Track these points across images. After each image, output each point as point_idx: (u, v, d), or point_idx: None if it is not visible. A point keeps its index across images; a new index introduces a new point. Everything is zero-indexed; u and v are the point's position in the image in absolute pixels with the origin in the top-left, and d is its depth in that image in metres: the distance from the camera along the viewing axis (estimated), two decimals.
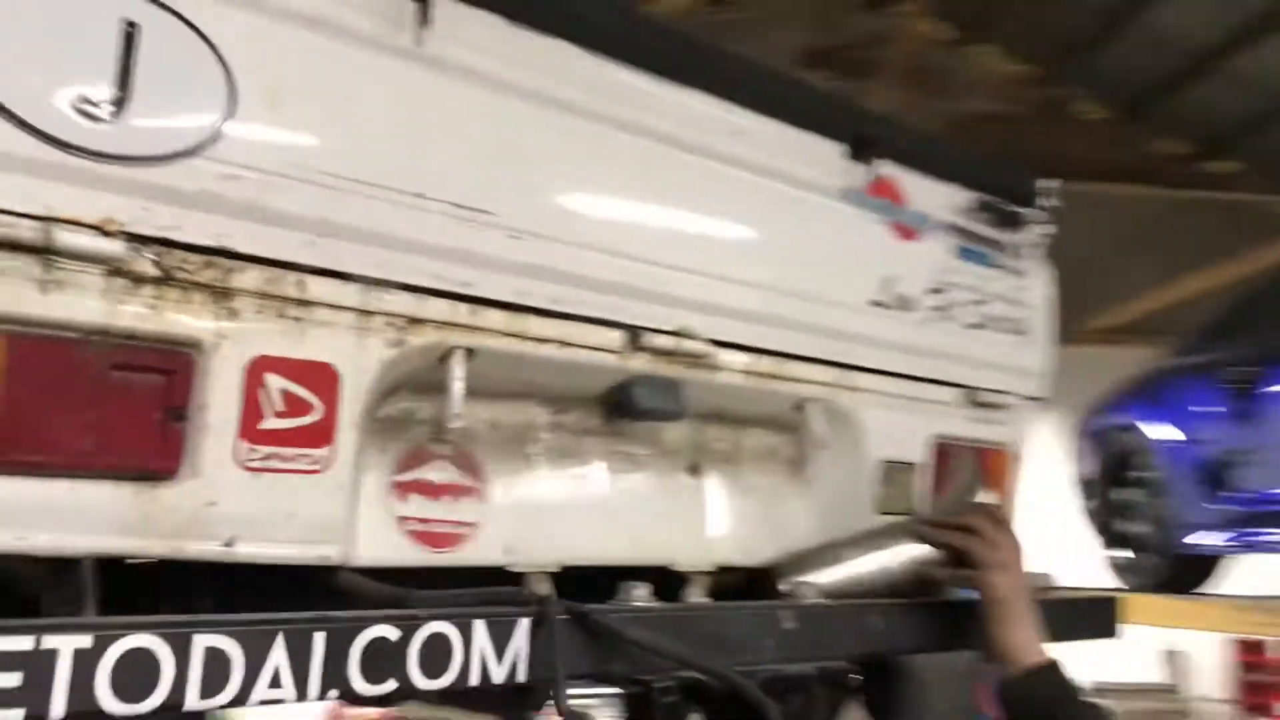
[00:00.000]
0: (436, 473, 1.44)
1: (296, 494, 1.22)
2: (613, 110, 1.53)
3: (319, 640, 1.06)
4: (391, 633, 1.10)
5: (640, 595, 1.43)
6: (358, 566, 1.32)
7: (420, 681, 1.12)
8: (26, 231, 1.04)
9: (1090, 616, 2.12)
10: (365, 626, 1.09)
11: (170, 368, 1.14)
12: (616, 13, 1.57)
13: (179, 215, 1.13)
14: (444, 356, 1.36)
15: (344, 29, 1.27)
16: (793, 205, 1.77)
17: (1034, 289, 2.19)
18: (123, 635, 0.96)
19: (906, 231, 1.95)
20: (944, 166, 2.02)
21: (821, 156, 1.83)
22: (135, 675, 0.97)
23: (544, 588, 1.47)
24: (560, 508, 1.57)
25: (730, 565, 1.75)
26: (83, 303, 1.08)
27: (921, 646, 1.73)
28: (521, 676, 1.20)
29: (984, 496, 1.92)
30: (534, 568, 1.51)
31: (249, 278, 1.19)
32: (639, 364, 1.56)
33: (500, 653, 1.18)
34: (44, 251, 1.05)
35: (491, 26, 1.42)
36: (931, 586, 1.74)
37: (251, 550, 1.20)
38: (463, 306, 1.36)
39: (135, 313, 1.11)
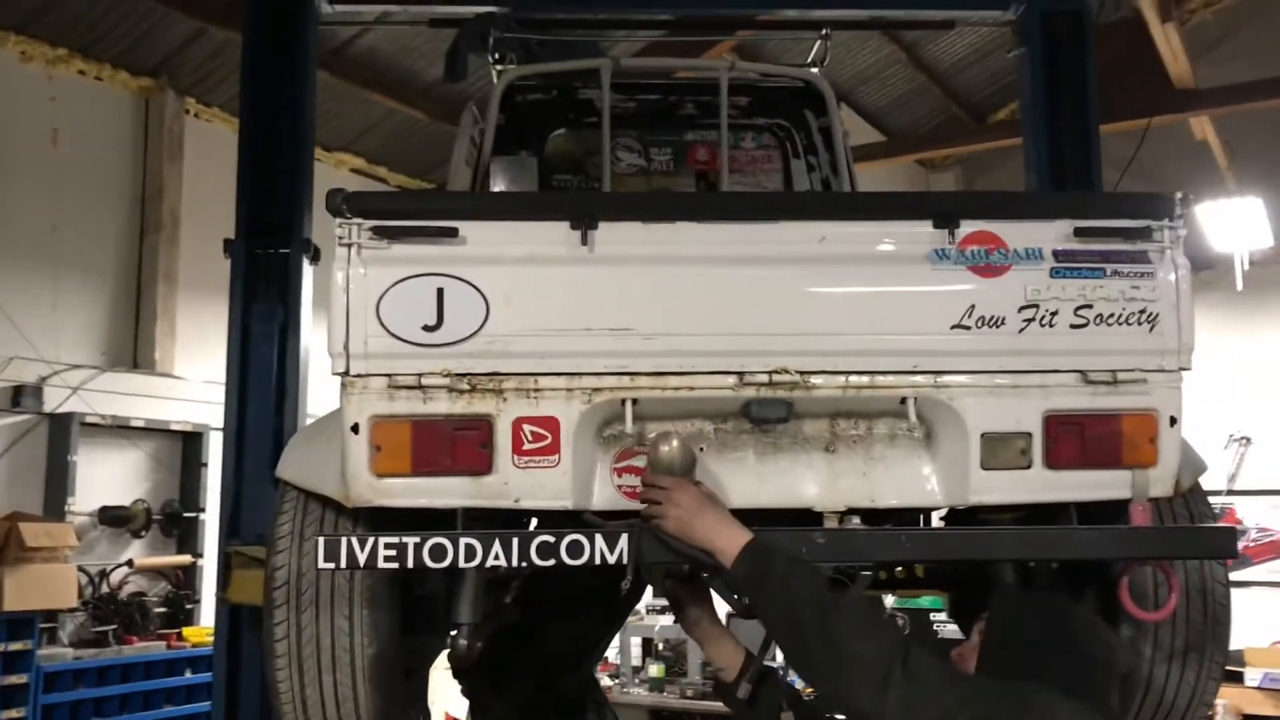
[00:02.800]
0: (638, 460, 2.76)
1: (544, 476, 2.67)
2: (712, 251, 2.73)
3: (517, 541, 2.50)
4: (551, 538, 2.51)
5: None
6: (594, 510, 2.72)
7: (567, 560, 2.49)
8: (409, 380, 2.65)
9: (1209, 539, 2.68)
10: (537, 535, 2.50)
11: (479, 427, 2.67)
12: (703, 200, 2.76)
13: (473, 363, 2.66)
14: (621, 404, 2.70)
15: (542, 256, 2.70)
16: (874, 274, 2.75)
17: (1163, 285, 2.76)
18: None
19: (992, 270, 2.76)
20: (1029, 211, 2.78)
21: (902, 233, 2.76)
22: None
23: None
24: (719, 475, 2.78)
25: (857, 507, 2.78)
26: (438, 404, 2.66)
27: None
28: (626, 560, 2.51)
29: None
30: None
31: (510, 383, 2.67)
32: (750, 393, 2.72)
33: (612, 549, 2.51)
34: (419, 388, 2.65)
35: (631, 228, 2.72)
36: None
37: (530, 503, 2.68)
38: (625, 378, 2.69)
39: (465, 404, 2.66)
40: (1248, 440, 11.82)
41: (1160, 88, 8.36)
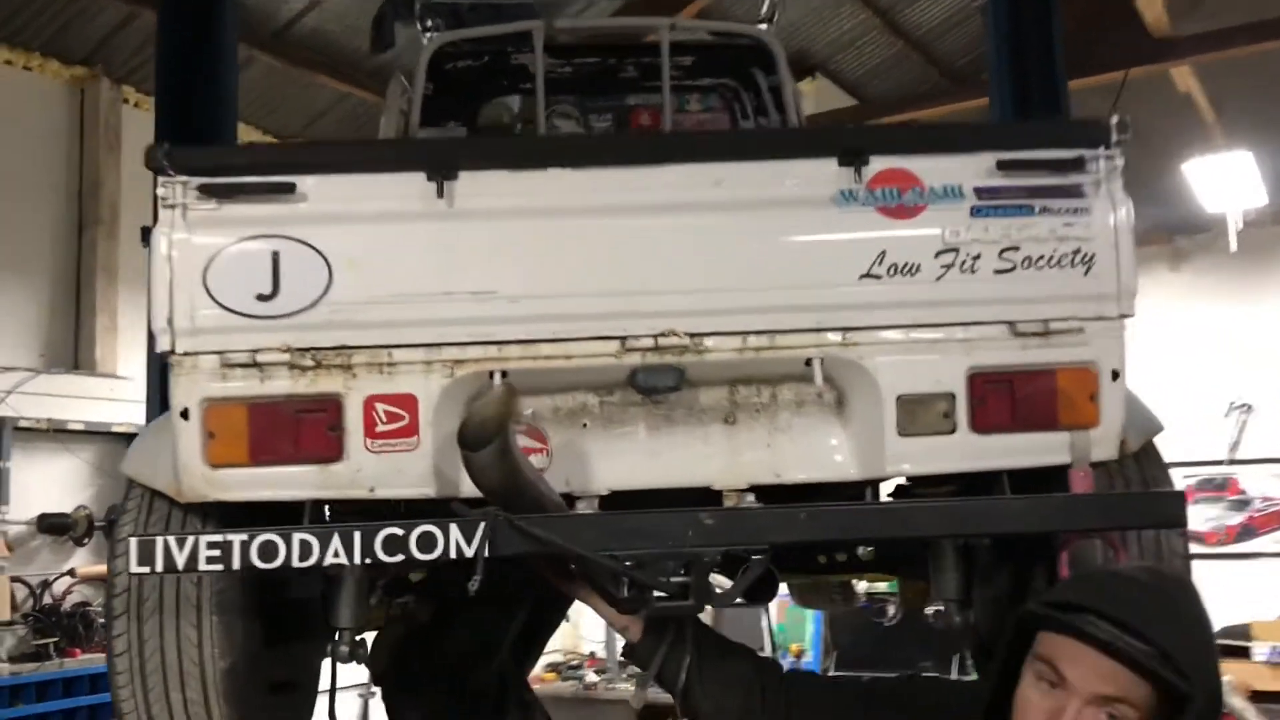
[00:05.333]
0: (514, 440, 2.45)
1: (403, 461, 2.36)
2: (589, 201, 2.41)
3: (359, 535, 2.19)
4: (399, 530, 2.19)
5: (581, 507, 2.31)
6: (463, 498, 2.41)
7: (418, 555, 2.18)
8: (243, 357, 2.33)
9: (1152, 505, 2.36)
10: (384, 528, 2.19)
11: (326, 407, 2.36)
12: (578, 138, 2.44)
13: (316, 336, 2.34)
14: (489, 377, 2.39)
15: (393, 212, 2.38)
16: (773, 220, 2.43)
17: (1099, 222, 2.44)
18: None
19: (905, 212, 2.44)
20: (946, 145, 2.45)
21: (805, 174, 2.44)
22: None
23: (590, 505, 2.41)
24: (607, 454, 2.47)
25: (760, 484, 2.46)
26: (277, 383, 2.35)
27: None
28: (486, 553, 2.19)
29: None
30: (588, 493, 2.45)
31: (360, 357, 2.36)
32: (635, 360, 2.40)
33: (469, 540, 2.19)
34: (255, 365, 2.34)
35: (497, 177, 2.41)
36: None
37: (386, 492, 2.36)
38: (492, 347, 2.38)
39: (309, 383, 2.35)
40: (1249, 408, 11.46)
41: (1137, 37, 7.99)
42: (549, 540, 2.20)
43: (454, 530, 2.19)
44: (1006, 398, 2.42)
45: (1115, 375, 2.44)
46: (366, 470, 2.36)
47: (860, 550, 2.99)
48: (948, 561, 2.56)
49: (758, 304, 2.42)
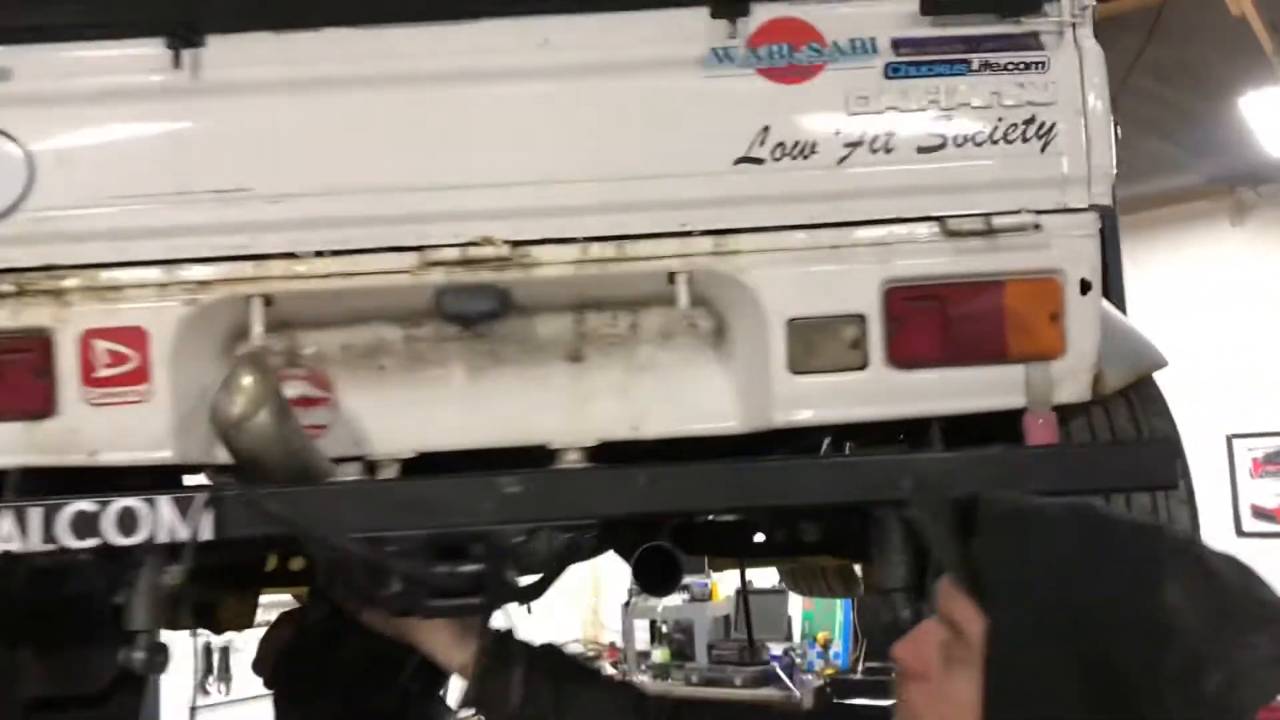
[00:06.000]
0: (291, 389, 1.88)
1: (130, 417, 1.79)
2: (373, 69, 1.82)
3: (38, 514, 1.63)
4: (92, 506, 1.63)
5: (347, 472, 1.72)
6: (219, 465, 1.84)
7: (118, 539, 1.62)
8: None
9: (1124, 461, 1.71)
10: (70, 504, 1.63)
11: (30, 346, 1.80)
12: None
13: (16, 252, 1.79)
14: (246, 303, 1.81)
15: (118, 90, 1.81)
16: (622, 90, 1.83)
17: (1062, 81, 1.81)
18: None
19: (798, 74, 1.82)
20: None
21: (665, 28, 1.83)
22: None
23: (390, 471, 1.83)
24: (412, 406, 1.89)
25: (614, 439, 1.87)
26: None
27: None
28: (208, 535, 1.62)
29: None
30: (388, 456, 1.87)
31: (73, 279, 1.80)
32: (438, 277, 1.82)
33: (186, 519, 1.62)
34: None
35: (255, 40, 1.83)
36: None
37: (111, 456, 1.80)
38: (247, 264, 1.80)
39: (8, 315, 1.79)
40: None
41: None
42: (291, 519, 1.62)
43: (164, 507, 1.62)
44: (936, 320, 1.80)
45: (1085, 288, 1.80)
46: (85, 428, 1.79)
47: (804, 526, 2.39)
48: (892, 541, 1.93)
49: (600, 200, 1.82)
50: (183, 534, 1.61)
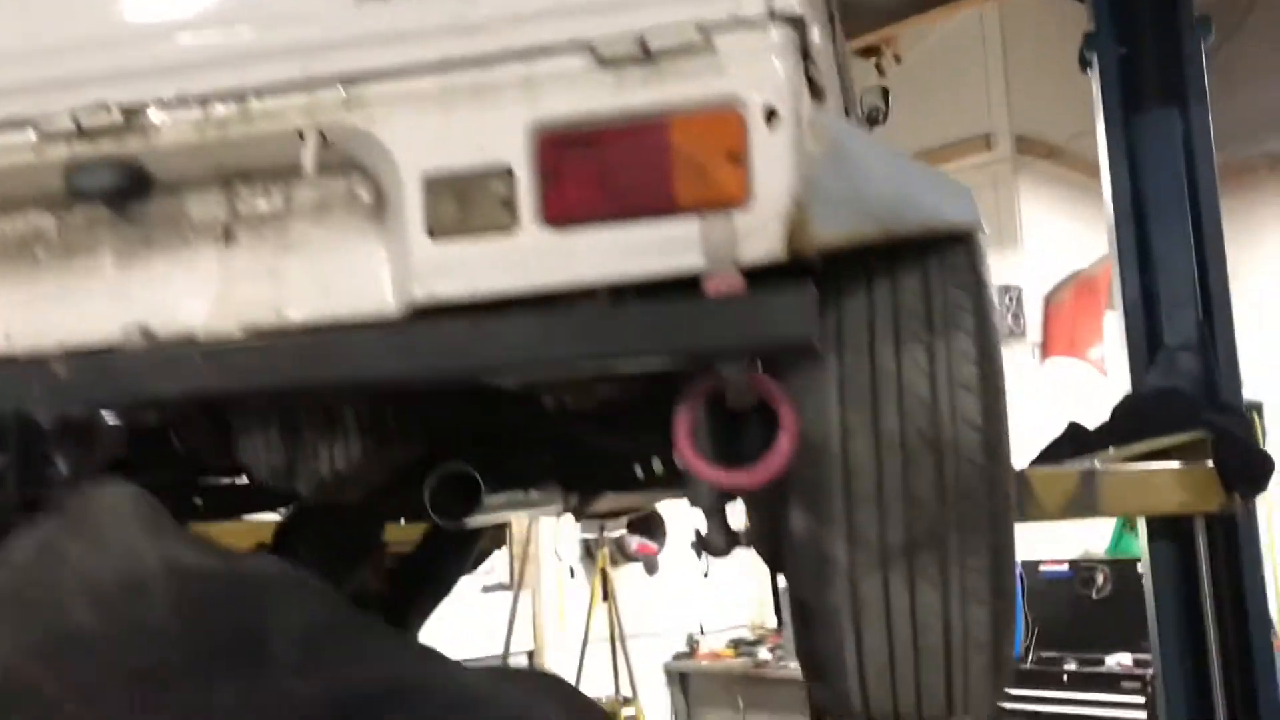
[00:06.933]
0: None
1: None
2: None
3: None
4: None
5: None
6: None
7: None
8: None
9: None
10: None
11: None
12: None
13: None
14: None
15: None
16: None
17: None
18: None
19: None
20: None
21: None
22: None
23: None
24: (64, 297, 1.73)
25: (263, 327, 1.65)
26: None
27: None
28: None
29: None
30: (35, 351, 1.71)
31: None
32: (61, 152, 1.64)
33: None
34: None
35: None
36: None
37: None
38: None
39: None
40: None
41: None
42: None
43: None
44: (593, 168, 1.49)
45: (772, 116, 1.46)
46: None
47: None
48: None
49: (211, 50, 1.60)
50: None
